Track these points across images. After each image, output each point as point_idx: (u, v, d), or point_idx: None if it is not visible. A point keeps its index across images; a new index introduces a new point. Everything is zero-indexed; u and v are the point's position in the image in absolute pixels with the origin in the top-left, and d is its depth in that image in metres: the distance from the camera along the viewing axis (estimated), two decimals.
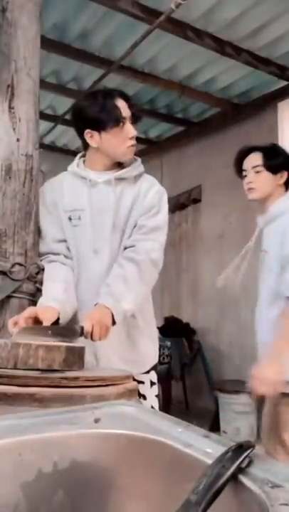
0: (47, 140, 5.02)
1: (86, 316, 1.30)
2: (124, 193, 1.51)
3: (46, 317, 1.27)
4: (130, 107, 1.50)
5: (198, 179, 4.85)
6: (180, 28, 3.10)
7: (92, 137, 1.49)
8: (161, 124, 4.86)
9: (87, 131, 1.49)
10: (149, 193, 1.53)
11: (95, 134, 1.48)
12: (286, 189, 1.81)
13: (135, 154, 1.61)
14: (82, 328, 1.24)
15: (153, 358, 1.61)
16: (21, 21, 1.63)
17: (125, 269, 1.41)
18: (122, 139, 1.48)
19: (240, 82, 3.94)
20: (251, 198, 1.81)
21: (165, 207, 1.57)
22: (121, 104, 1.47)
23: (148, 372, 1.55)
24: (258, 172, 1.79)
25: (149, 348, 1.57)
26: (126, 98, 1.50)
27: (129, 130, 1.48)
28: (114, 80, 3.83)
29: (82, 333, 1.23)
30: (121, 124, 1.46)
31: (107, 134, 1.47)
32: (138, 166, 1.57)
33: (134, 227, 1.50)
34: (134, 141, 1.50)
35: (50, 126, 4.54)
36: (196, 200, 4.93)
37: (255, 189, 1.80)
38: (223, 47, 3.31)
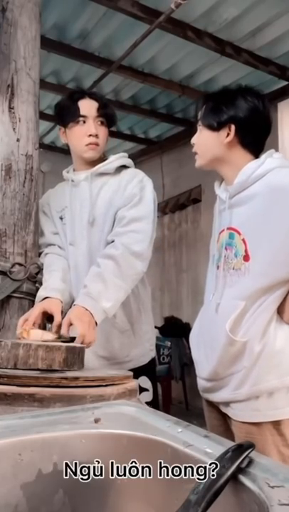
0: (47, 140, 5.02)
1: (76, 323, 1.25)
2: (103, 187, 1.55)
3: (55, 310, 1.34)
4: (100, 108, 1.54)
5: (198, 179, 4.85)
6: (180, 28, 3.10)
7: (63, 133, 1.60)
8: (161, 124, 4.86)
9: (59, 127, 1.61)
10: (130, 184, 1.52)
11: (63, 130, 1.59)
12: (252, 153, 1.30)
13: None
14: (72, 338, 1.21)
15: (136, 359, 1.54)
16: (21, 21, 1.63)
17: (102, 267, 1.38)
18: (80, 136, 1.53)
19: (240, 82, 3.93)
20: (196, 165, 1.36)
21: (148, 196, 1.52)
22: (86, 103, 1.53)
23: (136, 377, 1.49)
24: (199, 129, 1.33)
25: (126, 347, 1.51)
26: (97, 99, 1.56)
27: (89, 128, 1.52)
28: (114, 80, 3.83)
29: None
30: (81, 122, 1.52)
31: (69, 130, 1.56)
32: (118, 159, 1.58)
33: (116, 219, 1.49)
34: (92, 140, 1.52)
35: (50, 126, 4.54)
36: (196, 200, 4.93)
37: (197, 153, 1.35)
38: (223, 47, 3.31)
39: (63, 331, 1.24)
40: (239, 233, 1.25)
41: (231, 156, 1.29)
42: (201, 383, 1.36)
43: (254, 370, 1.19)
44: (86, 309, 1.29)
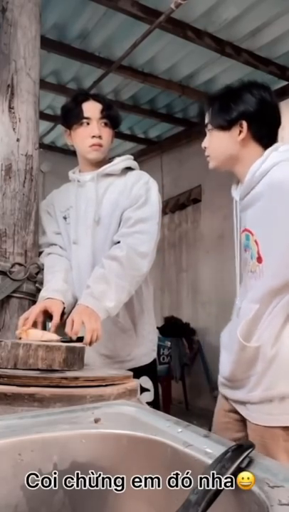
0: (47, 140, 5.02)
1: (77, 320, 1.25)
2: (109, 188, 1.56)
3: (55, 310, 1.34)
4: (104, 109, 1.55)
5: (198, 179, 4.85)
6: (180, 28, 3.10)
7: (68, 135, 1.61)
8: (161, 124, 4.86)
9: (64, 129, 1.62)
10: (136, 185, 1.54)
11: (68, 131, 1.60)
12: (266, 147, 1.26)
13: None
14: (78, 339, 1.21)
15: (137, 359, 1.54)
16: (21, 21, 1.63)
17: (106, 268, 1.39)
18: (84, 138, 1.55)
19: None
20: (210, 167, 1.34)
21: (154, 198, 1.54)
22: (90, 105, 1.55)
23: (137, 377, 1.49)
24: (209, 131, 1.31)
25: (127, 347, 1.52)
26: (100, 101, 1.57)
27: (92, 130, 1.53)
28: (114, 80, 3.83)
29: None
30: (84, 123, 1.54)
31: (74, 132, 1.57)
32: (123, 161, 1.60)
33: (122, 219, 1.51)
34: (96, 141, 1.53)
35: (50, 126, 4.54)
36: (196, 200, 4.93)
37: (209, 156, 1.32)
38: (223, 47, 3.31)
39: (67, 330, 1.24)
40: (252, 234, 1.22)
41: (245, 154, 1.26)
42: (221, 380, 1.37)
43: (267, 375, 1.18)
44: (88, 307, 1.30)
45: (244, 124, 1.24)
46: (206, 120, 1.31)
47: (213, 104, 1.30)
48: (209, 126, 1.30)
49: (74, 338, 1.22)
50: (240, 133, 1.24)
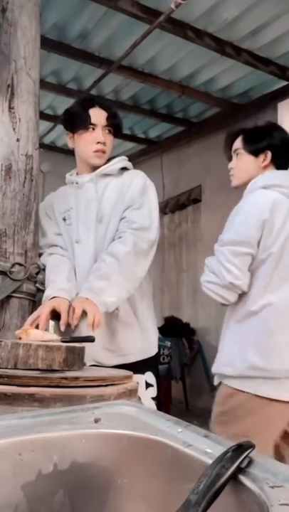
0: (47, 140, 5.02)
1: (79, 307, 1.33)
2: (107, 187, 1.60)
3: (63, 309, 1.37)
4: (110, 117, 1.59)
5: (198, 179, 4.85)
6: (180, 28, 3.10)
7: (71, 138, 1.64)
8: (161, 124, 4.86)
9: (67, 132, 1.66)
10: (133, 185, 1.58)
11: (71, 135, 1.63)
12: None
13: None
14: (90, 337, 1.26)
15: (141, 351, 1.56)
16: (21, 21, 1.63)
17: (107, 263, 1.44)
18: (88, 143, 1.59)
19: (240, 82, 3.94)
20: (233, 185, 1.69)
21: (152, 197, 1.60)
22: (96, 112, 1.58)
23: (143, 372, 1.52)
24: (238, 155, 1.64)
25: (131, 340, 1.54)
26: (106, 108, 1.61)
27: (97, 136, 1.57)
28: (114, 80, 3.83)
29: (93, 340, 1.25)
30: (90, 129, 1.58)
31: (78, 136, 1.61)
32: (120, 161, 1.65)
33: (121, 219, 1.55)
34: (100, 147, 1.58)
35: (50, 126, 4.54)
36: (196, 200, 4.93)
37: (234, 175, 1.66)
38: (223, 47, 3.31)
39: (69, 319, 1.31)
40: None
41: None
42: None
43: None
44: (88, 299, 1.36)
45: (269, 153, 1.58)
46: (236, 146, 1.64)
47: (245, 134, 1.63)
48: (240, 151, 1.62)
49: (75, 323, 1.30)
50: (264, 160, 1.59)
